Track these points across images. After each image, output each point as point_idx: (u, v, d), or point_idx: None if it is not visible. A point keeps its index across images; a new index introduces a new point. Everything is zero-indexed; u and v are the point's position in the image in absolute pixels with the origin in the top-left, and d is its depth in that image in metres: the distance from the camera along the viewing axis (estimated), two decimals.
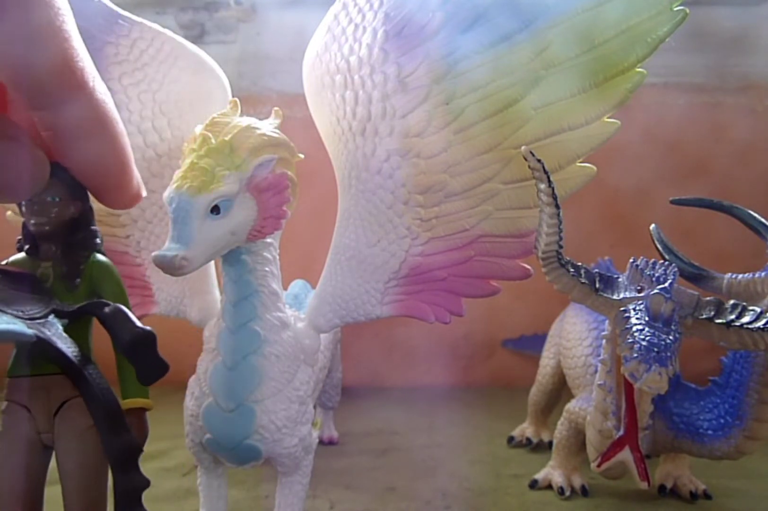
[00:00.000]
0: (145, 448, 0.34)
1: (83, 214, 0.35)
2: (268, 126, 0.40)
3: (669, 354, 0.41)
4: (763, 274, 0.51)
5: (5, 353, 0.34)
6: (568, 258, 0.44)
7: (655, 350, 0.41)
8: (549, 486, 0.59)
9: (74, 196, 0.34)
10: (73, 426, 0.33)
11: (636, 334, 0.42)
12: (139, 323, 0.32)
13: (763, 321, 0.43)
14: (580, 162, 0.42)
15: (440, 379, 0.98)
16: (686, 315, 0.44)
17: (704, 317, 0.44)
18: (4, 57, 0.24)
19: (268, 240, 0.41)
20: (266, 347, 0.41)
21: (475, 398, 0.93)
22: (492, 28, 0.40)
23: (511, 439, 0.73)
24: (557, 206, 0.41)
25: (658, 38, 0.39)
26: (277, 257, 0.43)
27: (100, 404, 0.32)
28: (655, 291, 0.44)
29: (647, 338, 0.41)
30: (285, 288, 0.48)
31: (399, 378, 1.01)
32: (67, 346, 0.32)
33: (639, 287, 0.45)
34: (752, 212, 0.54)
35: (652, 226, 0.56)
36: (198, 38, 1.02)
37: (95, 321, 0.34)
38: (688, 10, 0.39)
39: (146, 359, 0.31)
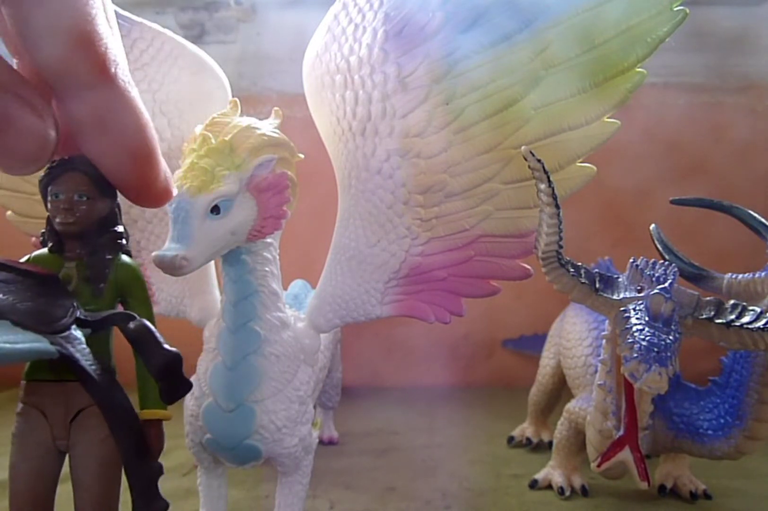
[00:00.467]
0: None
1: (111, 214, 0.34)
2: (268, 126, 0.40)
3: (669, 354, 0.41)
4: (763, 274, 0.51)
5: None
6: (568, 258, 0.44)
7: (655, 350, 0.41)
8: (549, 486, 0.59)
9: (103, 194, 0.33)
10: (90, 436, 0.32)
11: (636, 334, 0.42)
12: (166, 345, 0.31)
13: (763, 321, 0.43)
14: (580, 162, 0.42)
15: (440, 379, 0.98)
16: (686, 315, 0.44)
17: (704, 317, 0.44)
18: (24, 34, 0.23)
19: (268, 240, 0.41)
20: (266, 347, 0.41)
21: (475, 398, 0.93)
22: (492, 28, 0.40)
23: (511, 439, 0.73)
24: (557, 206, 0.41)
25: (658, 38, 0.39)
26: (277, 257, 0.43)
27: (123, 433, 0.31)
28: (655, 291, 0.44)
29: (647, 338, 0.41)
30: (285, 288, 0.48)
31: (399, 378, 1.01)
32: (89, 364, 0.30)
33: (639, 287, 0.45)
34: (752, 212, 0.54)
35: (652, 226, 0.56)
36: (198, 38, 1.02)
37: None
38: (688, 10, 0.39)
39: (172, 380, 0.31)
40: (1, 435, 0.73)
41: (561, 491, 0.58)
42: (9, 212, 0.52)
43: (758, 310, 0.43)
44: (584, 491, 0.58)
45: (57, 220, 0.33)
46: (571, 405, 0.59)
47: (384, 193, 0.44)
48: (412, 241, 0.44)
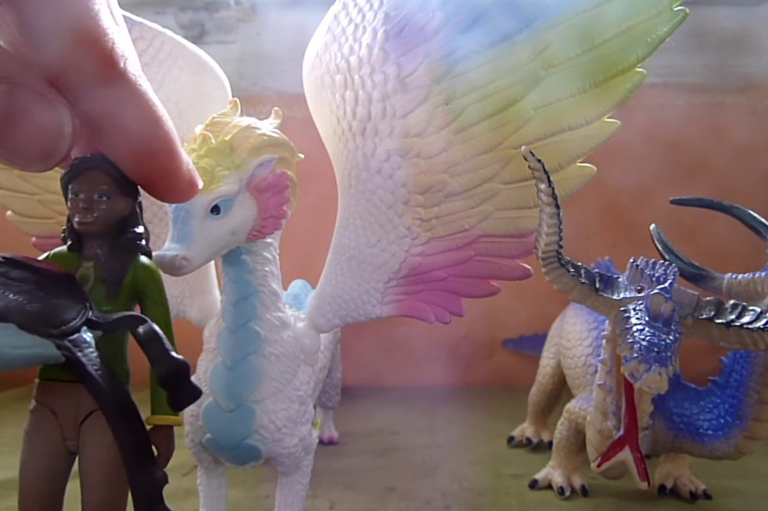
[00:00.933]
0: None
1: (132, 214, 0.33)
2: (268, 126, 0.40)
3: (669, 354, 0.41)
4: (763, 274, 0.51)
5: None
6: (568, 258, 0.44)
7: (655, 350, 0.41)
8: (549, 486, 0.59)
9: (124, 192, 0.32)
10: (100, 438, 0.32)
11: (636, 334, 0.42)
12: (173, 353, 0.30)
13: (763, 321, 0.43)
14: (580, 162, 0.42)
15: (440, 379, 0.98)
16: (686, 315, 0.44)
17: (704, 317, 0.44)
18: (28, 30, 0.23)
19: (268, 240, 0.41)
20: (266, 347, 0.41)
21: (475, 398, 0.93)
22: (492, 28, 0.40)
23: (511, 439, 0.73)
24: (557, 206, 0.41)
25: (658, 38, 0.39)
26: (277, 257, 0.43)
27: (126, 440, 0.30)
28: (655, 291, 0.44)
29: (647, 338, 0.41)
30: (285, 288, 0.48)
31: (399, 378, 1.00)
32: (95, 368, 0.29)
33: (639, 287, 0.45)
34: (752, 212, 0.54)
35: (652, 226, 0.56)
36: (198, 38, 1.02)
37: None
38: (688, 10, 0.39)
39: (179, 388, 0.30)
40: (7, 434, 0.73)
41: (561, 491, 0.58)
42: (9, 212, 0.52)
43: (758, 310, 0.43)
44: (584, 491, 0.58)
45: (76, 219, 0.32)
46: (571, 405, 0.59)
47: (384, 193, 0.44)
48: (412, 241, 0.44)
